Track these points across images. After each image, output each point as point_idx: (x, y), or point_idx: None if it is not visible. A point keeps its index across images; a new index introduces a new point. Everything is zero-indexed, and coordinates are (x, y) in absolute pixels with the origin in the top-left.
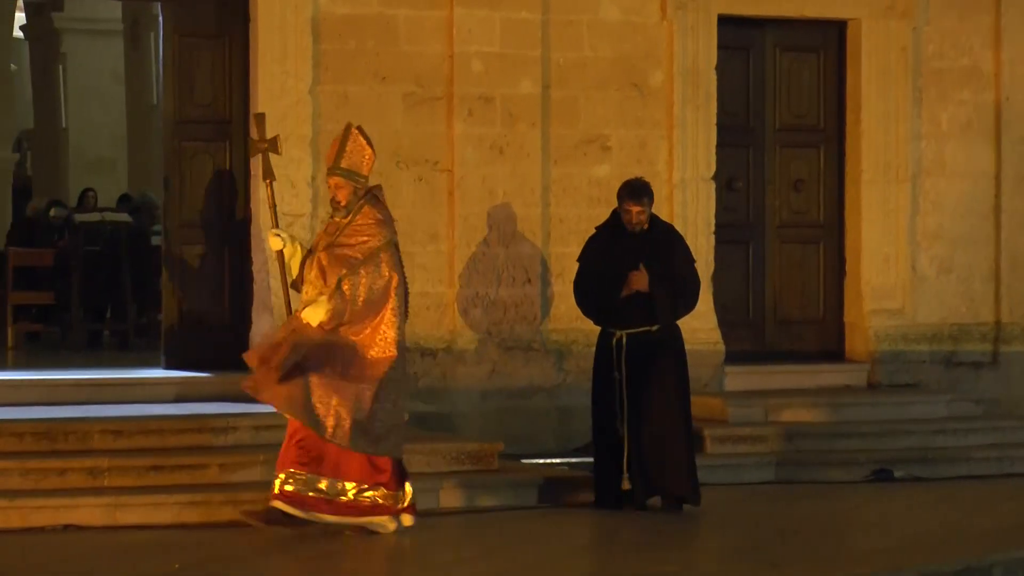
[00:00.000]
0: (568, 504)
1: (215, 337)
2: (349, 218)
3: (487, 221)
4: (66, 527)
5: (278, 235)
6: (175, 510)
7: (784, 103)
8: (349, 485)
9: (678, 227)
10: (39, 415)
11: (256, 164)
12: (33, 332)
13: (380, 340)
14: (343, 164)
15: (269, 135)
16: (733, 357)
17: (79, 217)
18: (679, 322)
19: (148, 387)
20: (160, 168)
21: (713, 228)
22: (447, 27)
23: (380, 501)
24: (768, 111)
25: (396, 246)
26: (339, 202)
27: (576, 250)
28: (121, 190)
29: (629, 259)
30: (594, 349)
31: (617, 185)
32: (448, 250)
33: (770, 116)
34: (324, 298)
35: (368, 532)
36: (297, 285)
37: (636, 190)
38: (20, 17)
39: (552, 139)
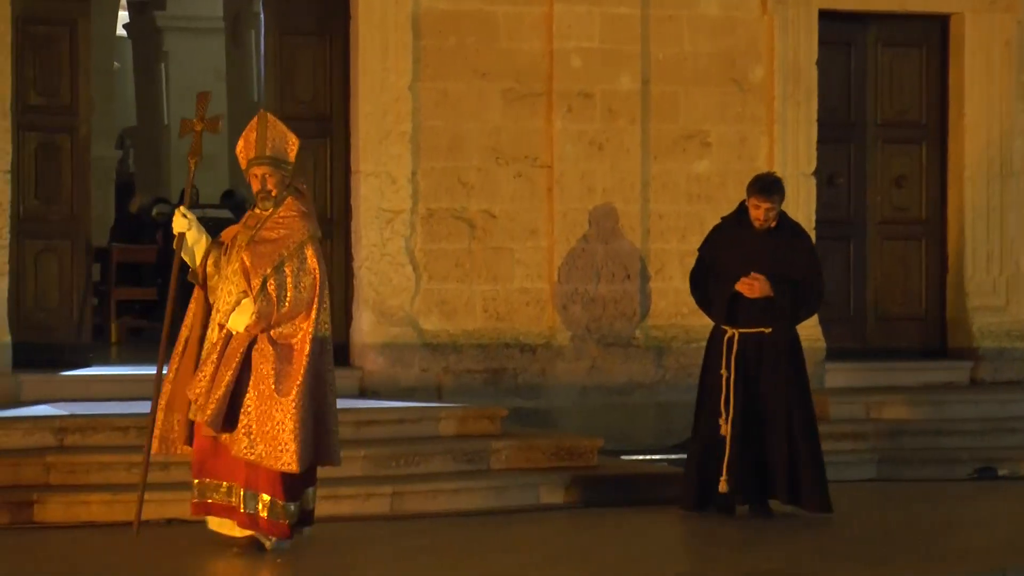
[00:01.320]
0: (668, 501)
1: None
2: (271, 210)
3: (586, 217)
4: (169, 521)
5: (185, 216)
6: None
7: (886, 98)
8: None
9: None
10: (143, 410)
11: (197, 142)
12: (137, 327)
13: (304, 338)
14: (268, 152)
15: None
16: (834, 354)
17: None
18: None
19: None
20: None
21: (813, 224)
22: (546, 23)
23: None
24: (869, 107)
25: (320, 241)
26: (270, 191)
27: (676, 246)
28: (223, 186)
29: (752, 258)
30: (693, 346)
31: (717, 181)
32: (547, 246)
33: (871, 112)
34: (247, 301)
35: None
36: (196, 276)
37: (767, 186)
38: (123, 16)
39: (651, 135)
